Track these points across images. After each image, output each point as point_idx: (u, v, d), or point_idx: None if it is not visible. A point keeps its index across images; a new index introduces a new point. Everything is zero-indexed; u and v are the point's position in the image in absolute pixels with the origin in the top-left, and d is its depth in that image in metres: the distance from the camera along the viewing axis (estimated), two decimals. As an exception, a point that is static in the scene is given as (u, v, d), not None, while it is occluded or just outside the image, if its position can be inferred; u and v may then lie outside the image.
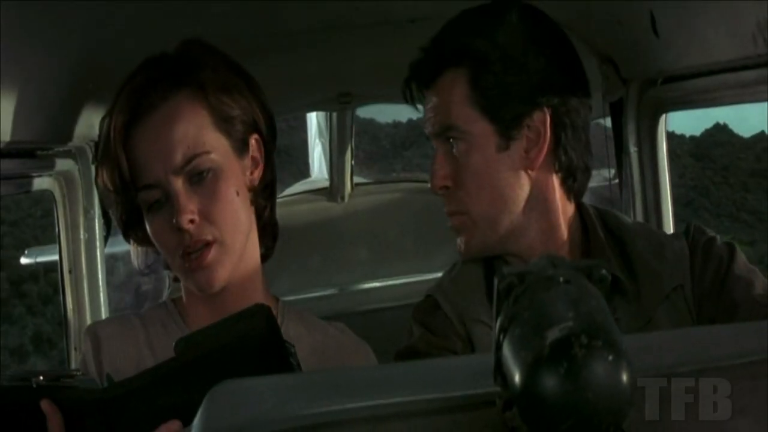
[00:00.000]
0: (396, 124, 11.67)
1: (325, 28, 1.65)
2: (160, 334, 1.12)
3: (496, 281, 0.50)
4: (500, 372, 0.48)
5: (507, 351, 0.47)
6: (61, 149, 1.40)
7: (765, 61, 1.17)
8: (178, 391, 0.88)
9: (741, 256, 1.16)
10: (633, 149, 1.58)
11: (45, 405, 0.87)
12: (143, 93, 1.09)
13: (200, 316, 1.12)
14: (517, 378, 0.45)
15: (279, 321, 1.14)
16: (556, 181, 1.16)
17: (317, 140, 3.82)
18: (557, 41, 1.17)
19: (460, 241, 1.17)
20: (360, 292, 2.19)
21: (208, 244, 1.06)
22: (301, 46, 1.71)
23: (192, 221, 1.06)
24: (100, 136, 1.14)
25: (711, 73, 1.35)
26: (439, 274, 2.21)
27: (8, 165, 1.22)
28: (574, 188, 1.17)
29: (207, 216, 1.07)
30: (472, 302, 1.15)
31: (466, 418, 0.48)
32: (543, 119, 1.13)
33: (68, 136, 1.40)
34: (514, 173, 1.13)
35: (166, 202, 1.07)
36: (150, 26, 1.34)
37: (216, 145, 1.10)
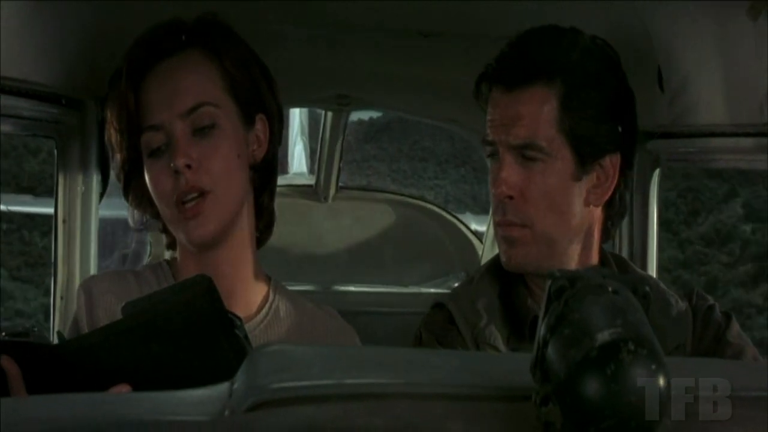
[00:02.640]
0: (360, 122, 12.70)
1: (335, 26, 1.67)
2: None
3: (548, 283, 0.52)
4: (541, 368, 0.51)
5: (553, 348, 0.50)
6: (70, 99, 1.39)
7: (768, 131, 1.22)
8: (124, 353, 0.90)
9: (736, 325, 1.23)
10: (625, 199, 1.63)
11: (5, 360, 0.87)
12: (160, 41, 1.13)
13: None
14: (562, 375, 0.48)
15: (270, 298, 1.16)
16: (601, 221, 1.20)
17: (299, 138, 3.84)
18: (629, 86, 1.21)
19: (509, 251, 1.16)
20: (336, 293, 2.20)
21: (203, 194, 1.08)
22: (309, 41, 1.73)
23: (189, 166, 1.07)
24: (111, 80, 1.16)
25: (712, 134, 1.40)
26: (415, 290, 2.26)
27: (16, 102, 1.21)
28: (609, 232, 1.23)
29: (205, 166, 1.09)
30: (488, 326, 1.16)
31: (506, 409, 0.50)
32: (615, 163, 1.17)
33: (80, 88, 1.39)
34: (579, 204, 1.16)
35: (167, 150, 1.09)
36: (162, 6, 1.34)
37: (224, 105, 1.13)
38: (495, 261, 1.26)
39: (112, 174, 1.51)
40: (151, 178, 1.10)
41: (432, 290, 2.11)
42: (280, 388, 0.49)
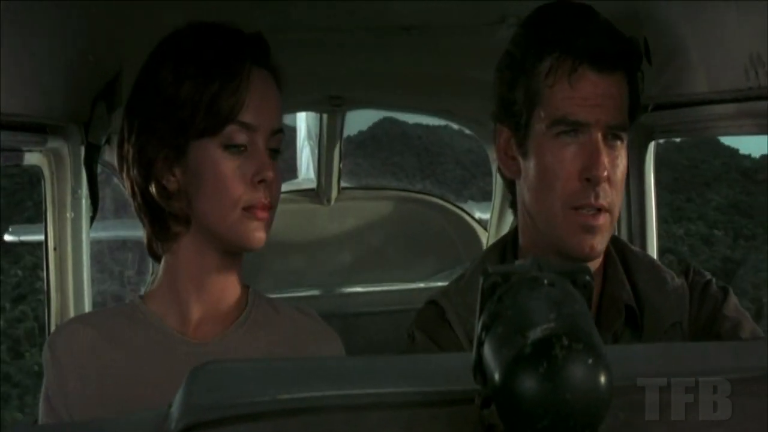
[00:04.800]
0: (338, 139, 14.46)
1: (321, 29, 1.66)
2: (125, 325, 1.11)
3: (481, 280, 0.51)
4: (480, 369, 0.49)
5: (488, 349, 0.48)
6: (52, 126, 1.39)
7: (756, 95, 1.19)
8: None
9: (733, 299, 1.20)
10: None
11: None
12: (252, 47, 1.10)
13: (181, 300, 1.11)
14: (496, 375, 0.46)
15: (248, 307, 1.15)
16: None
17: (306, 142, 3.83)
18: None
19: (590, 240, 1.12)
20: (342, 296, 2.19)
21: (272, 209, 1.08)
22: (297, 45, 1.72)
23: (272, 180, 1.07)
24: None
25: (702, 103, 1.36)
26: (422, 285, 2.25)
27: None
28: None
29: (275, 185, 1.09)
30: None
31: (445, 414, 0.49)
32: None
33: (61, 114, 1.39)
34: None
35: (244, 152, 1.07)
36: (149, 16, 1.34)
37: None
38: (489, 251, 1.24)
39: (103, 195, 1.52)
40: (225, 175, 1.05)
41: (439, 284, 2.09)
42: (212, 408, 0.49)
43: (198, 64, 1.06)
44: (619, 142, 1.14)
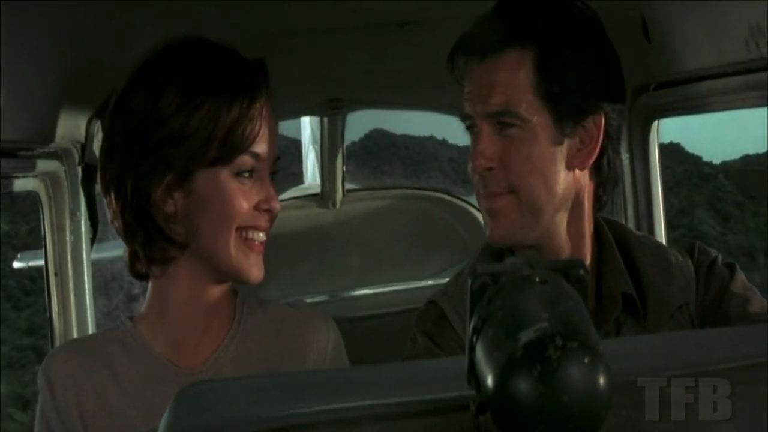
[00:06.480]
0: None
1: (315, 31, 1.64)
2: (119, 353, 1.10)
3: (469, 281, 0.48)
4: (473, 375, 0.47)
5: (480, 353, 0.46)
6: (45, 150, 1.38)
7: (758, 66, 1.16)
8: None
9: (740, 276, 1.16)
10: (625, 156, 1.58)
11: None
12: (261, 76, 1.09)
13: (172, 325, 1.10)
14: (489, 380, 0.44)
15: (236, 318, 1.15)
16: (591, 187, 1.15)
17: (311, 147, 3.81)
18: (611, 44, 1.15)
19: (492, 224, 1.11)
20: (350, 299, 2.17)
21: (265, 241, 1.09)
22: (291, 50, 1.70)
23: None
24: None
25: (703, 78, 1.33)
26: (430, 282, 2.22)
27: None
28: (602, 199, 1.17)
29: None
30: None
31: (439, 423, 0.47)
32: (599, 123, 1.11)
33: (53, 137, 1.38)
34: (562, 169, 1.11)
35: (250, 179, 1.07)
36: (139, 29, 1.32)
37: None
38: (486, 247, 1.21)
39: (102, 215, 1.51)
40: (234, 198, 1.05)
41: (447, 280, 2.07)
42: (199, 428, 0.47)
43: (211, 90, 1.04)
44: (514, 130, 1.09)
